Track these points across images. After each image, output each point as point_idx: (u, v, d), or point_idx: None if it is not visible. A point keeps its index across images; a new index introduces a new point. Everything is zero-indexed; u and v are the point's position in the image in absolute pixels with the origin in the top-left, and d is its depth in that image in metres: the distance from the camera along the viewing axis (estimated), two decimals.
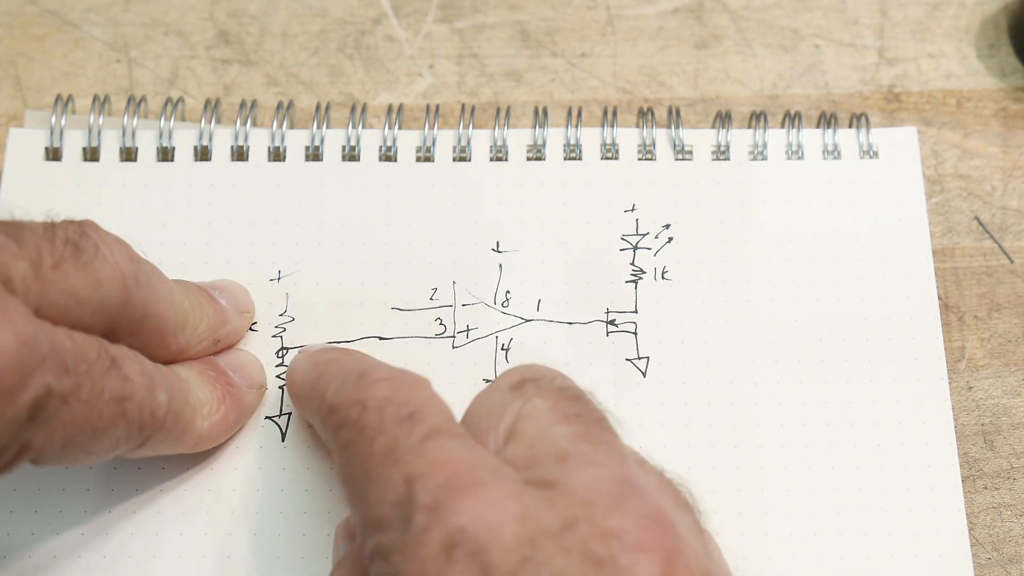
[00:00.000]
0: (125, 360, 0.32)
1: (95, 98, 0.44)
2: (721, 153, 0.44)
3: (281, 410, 0.39)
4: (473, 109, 0.45)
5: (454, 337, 0.41)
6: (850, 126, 0.45)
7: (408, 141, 0.44)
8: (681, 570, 0.28)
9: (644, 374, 0.40)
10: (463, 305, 0.41)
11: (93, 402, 0.30)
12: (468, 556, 0.28)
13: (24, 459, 0.30)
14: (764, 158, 0.44)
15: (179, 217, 0.42)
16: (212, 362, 0.38)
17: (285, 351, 0.40)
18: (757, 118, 0.44)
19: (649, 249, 0.42)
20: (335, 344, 0.40)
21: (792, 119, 0.44)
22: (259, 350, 0.40)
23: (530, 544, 0.28)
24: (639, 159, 0.44)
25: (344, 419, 0.32)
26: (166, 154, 0.43)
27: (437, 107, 0.44)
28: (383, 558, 0.29)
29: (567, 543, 0.28)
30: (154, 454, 0.34)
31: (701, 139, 0.44)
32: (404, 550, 0.28)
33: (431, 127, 0.44)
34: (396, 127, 0.44)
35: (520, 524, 0.28)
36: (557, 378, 0.33)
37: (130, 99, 0.44)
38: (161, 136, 0.43)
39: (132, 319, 0.33)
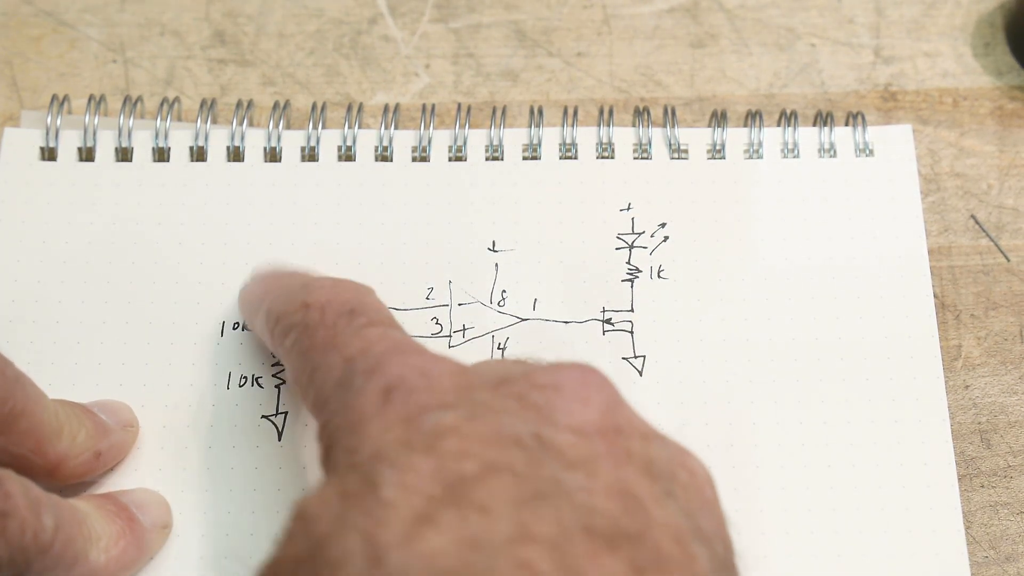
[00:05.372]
0: (7, 479, 0.31)
1: (91, 98, 0.44)
2: (717, 152, 0.44)
3: (277, 409, 0.39)
4: (469, 109, 0.45)
5: (450, 336, 0.41)
6: (846, 125, 0.45)
7: (404, 141, 0.44)
8: (621, 419, 0.29)
9: (640, 373, 0.40)
10: (459, 304, 0.41)
11: None
12: (404, 395, 0.28)
13: None
14: (760, 157, 0.44)
15: (174, 217, 0.42)
16: (113, 497, 0.36)
17: None
18: (753, 117, 0.44)
19: (645, 248, 0.42)
20: None
21: (788, 118, 0.44)
22: (255, 349, 0.40)
23: (466, 390, 0.29)
24: (635, 158, 0.44)
25: (289, 324, 0.33)
26: (162, 154, 0.43)
27: (433, 107, 0.44)
28: (328, 430, 0.29)
29: (503, 391, 0.29)
30: None
31: (697, 138, 0.44)
32: (345, 408, 0.29)
33: (427, 127, 0.44)
34: (392, 127, 0.44)
35: (456, 376, 0.29)
36: None
37: (126, 99, 0.44)
38: (157, 136, 0.43)
39: (3, 416, 0.32)
